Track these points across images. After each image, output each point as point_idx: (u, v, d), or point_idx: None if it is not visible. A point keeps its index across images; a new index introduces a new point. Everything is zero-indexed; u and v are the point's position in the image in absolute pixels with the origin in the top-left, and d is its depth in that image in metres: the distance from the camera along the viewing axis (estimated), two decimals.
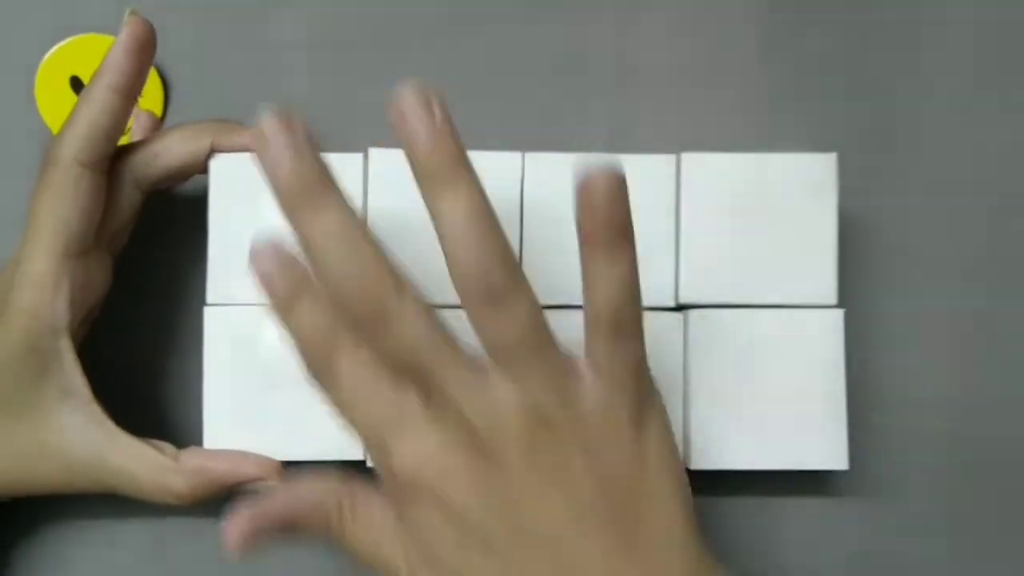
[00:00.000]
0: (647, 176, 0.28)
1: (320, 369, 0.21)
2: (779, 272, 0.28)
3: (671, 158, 0.28)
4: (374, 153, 0.28)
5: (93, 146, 0.26)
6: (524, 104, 0.32)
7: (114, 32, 0.31)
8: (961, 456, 0.31)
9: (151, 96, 0.32)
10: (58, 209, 0.26)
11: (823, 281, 0.27)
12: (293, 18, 0.33)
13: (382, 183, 0.28)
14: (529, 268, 0.27)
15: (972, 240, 0.32)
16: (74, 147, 0.25)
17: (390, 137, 0.28)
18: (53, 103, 0.31)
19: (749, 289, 0.28)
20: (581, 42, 0.33)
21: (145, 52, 0.26)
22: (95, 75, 0.26)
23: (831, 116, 0.32)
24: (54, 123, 0.31)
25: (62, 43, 0.31)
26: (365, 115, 0.32)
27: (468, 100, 0.32)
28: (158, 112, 0.32)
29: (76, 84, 0.31)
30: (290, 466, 0.27)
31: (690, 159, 0.28)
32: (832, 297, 0.27)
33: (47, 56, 0.31)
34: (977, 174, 0.32)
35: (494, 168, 0.27)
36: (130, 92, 0.26)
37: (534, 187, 0.28)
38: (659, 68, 0.32)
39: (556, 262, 0.26)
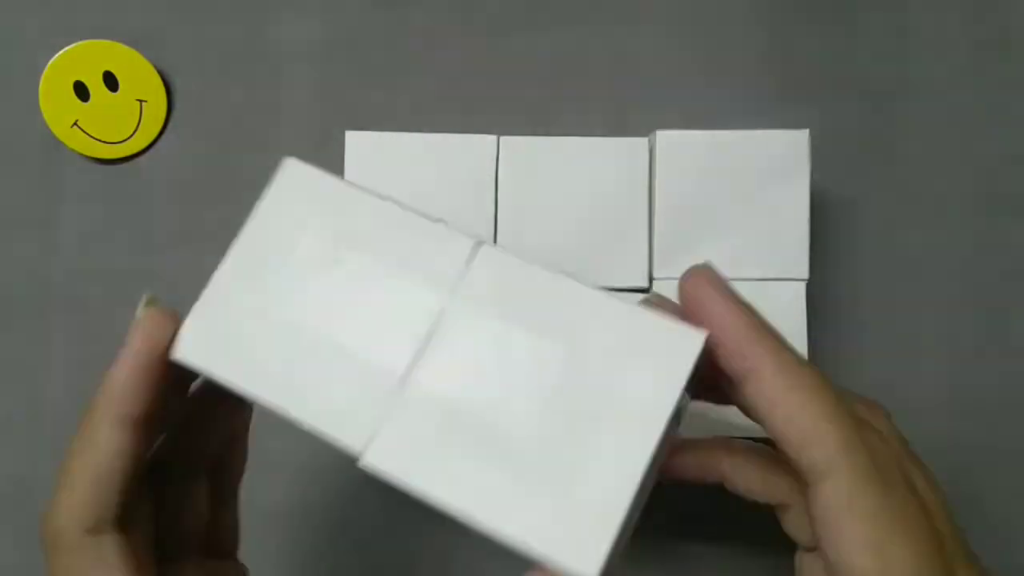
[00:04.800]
0: (621, 157, 0.29)
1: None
2: (752, 247, 0.29)
3: (643, 140, 0.29)
4: (350, 136, 0.29)
5: (102, 505, 0.19)
6: (525, 105, 0.33)
7: (117, 37, 0.33)
8: (949, 458, 0.29)
9: (154, 98, 0.33)
10: None
11: (795, 255, 0.29)
12: (295, 19, 0.34)
13: (358, 164, 0.29)
14: (504, 242, 0.29)
15: (955, 229, 0.33)
16: (75, 516, 0.19)
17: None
18: (57, 107, 0.32)
19: (722, 264, 0.29)
20: (581, 45, 0.34)
21: (161, 366, 0.19)
22: (92, 404, 0.19)
23: (827, 116, 0.33)
24: (57, 127, 0.33)
25: (66, 48, 0.32)
26: (366, 115, 0.33)
27: (468, 101, 0.33)
28: (161, 114, 0.33)
29: (80, 89, 0.32)
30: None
31: (665, 136, 0.29)
32: (804, 271, 0.29)
33: (51, 61, 0.32)
34: (955, 159, 0.33)
35: (470, 150, 0.29)
36: (149, 422, 0.19)
37: (507, 168, 0.29)
38: (656, 69, 0.33)
39: (531, 240, 0.28)
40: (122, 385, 0.19)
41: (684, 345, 0.18)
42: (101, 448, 0.19)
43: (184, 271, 0.32)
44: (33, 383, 0.33)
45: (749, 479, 0.22)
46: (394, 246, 0.19)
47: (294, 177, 0.21)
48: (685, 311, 0.19)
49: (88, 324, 0.33)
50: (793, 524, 0.21)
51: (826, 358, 0.31)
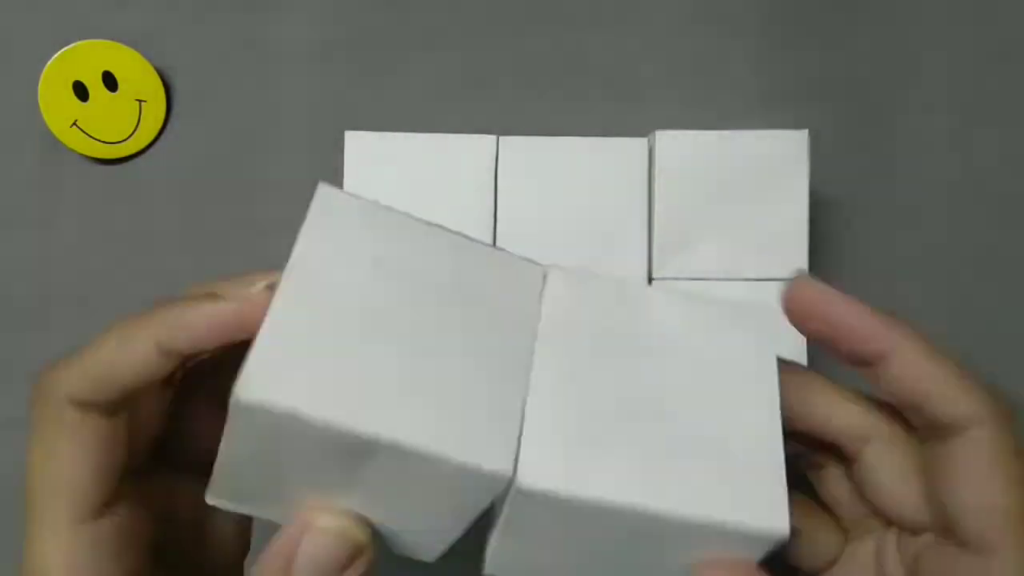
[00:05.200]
0: (620, 157, 0.29)
1: None
2: (751, 247, 0.29)
3: (643, 140, 0.30)
4: (350, 136, 0.30)
5: (98, 388, 0.18)
6: (525, 105, 0.33)
7: (116, 37, 0.33)
8: None
9: (153, 98, 0.33)
10: (53, 467, 0.19)
11: (794, 256, 0.29)
12: (295, 19, 0.34)
13: (358, 164, 0.29)
14: (503, 243, 0.29)
15: (943, 218, 0.33)
16: (70, 383, 0.18)
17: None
18: (56, 108, 0.32)
19: (721, 264, 0.29)
20: (581, 45, 0.34)
21: (238, 332, 0.18)
22: (144, 314, 0.19)
23: (826, 116, 0.33)
24: (57, 127, 0.33)
25: (65, 48, 0.32)
26: (366, 115, 0.34)
27: (468, 101, 0.34)
28: (160, 114, 0.33)
29: (79, 89, 0.32)
30: None
31: (664, 136, 0.29)
32: (805, 271, 0.28)
33: (50, 61, 0.32)
34: (955, 159, 0.33)
35: (469, 150, 0.29)
36: (181, 362, 0.19)
37: (507, 168, 0.29)
38: (656, 69, 0.34)
39: (531, 240, 0.28)
40: (188, 326, 0.18)
41: (762, 316, 0.20)
42: (130, 358, 0.18)
43: (184, 271, 0.33)
44: (33, 383, 0.33)
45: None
46: (462, 278, 0.19)
47: (331, 207, 0.19)
48: (797, 314, 0.21)
49: (88, 324, 0.33)
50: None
51: (826, 358, 0.31)
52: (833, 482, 0.23)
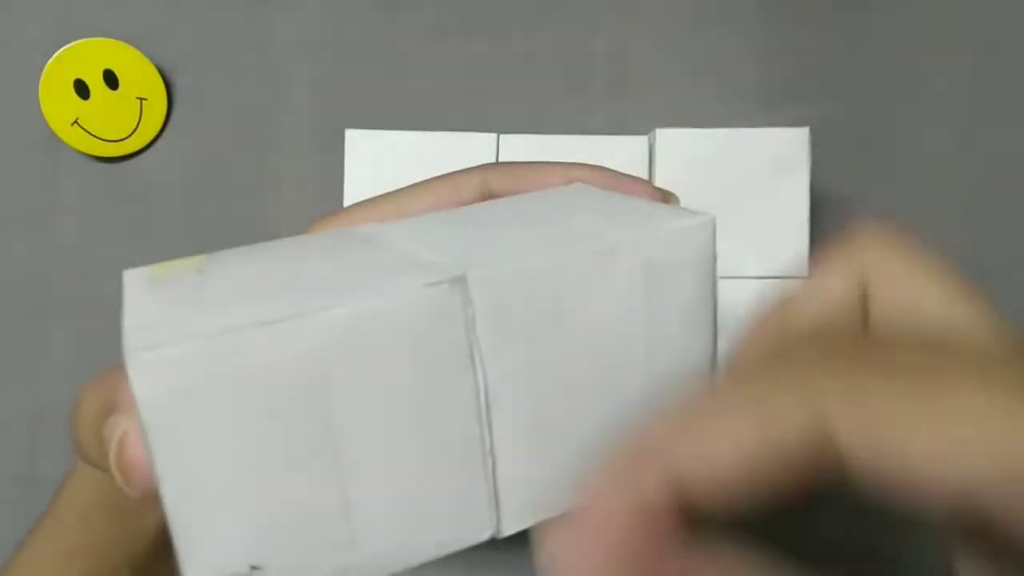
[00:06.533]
0: (621, 156, 0.29)
1: None
2: (752, 246, 0.29)
3: (643, 139, 0.30)
4: (350, 135, 0.30)
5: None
6: (525, 105, 0.34)
7: (117, 35, 0.33)
8: None
9: (154, 96, 0.33)
10: None
11: (796, 253, 0.29)
12: (294, 19, 0.34)
13: (358, 162, 0.29)
14: None
15: (944, 215, 0.33)
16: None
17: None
18: (57, 106, 0.32)
19: (722, 262, 0.29)
20: (581, 45, 0.34)
21: None
22: None
23: (826, 115, 0.33)
24: (58, 125, 0.33)
25: (66, 46, 0.32)
26: (365, 114, 0.34)
27: (468, 100, 0.34)
28: (161, 112, 0.33)
29: (80, 87, 0.32)
30: None
31: (665, 134, 0.29)
32: (803, 270, 0.29)
33: (51, 59, 0.32)
34: (955, 159, 0.33)
35: (470, 148, 0.29)
36: None
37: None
38: (656, 69, 0.34)
39: None
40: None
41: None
42: None
43: None
44: (33, 383, 0.33)
45: None
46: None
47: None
48: None
49: (88, 324, 0.33)
50: None
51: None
52: None
